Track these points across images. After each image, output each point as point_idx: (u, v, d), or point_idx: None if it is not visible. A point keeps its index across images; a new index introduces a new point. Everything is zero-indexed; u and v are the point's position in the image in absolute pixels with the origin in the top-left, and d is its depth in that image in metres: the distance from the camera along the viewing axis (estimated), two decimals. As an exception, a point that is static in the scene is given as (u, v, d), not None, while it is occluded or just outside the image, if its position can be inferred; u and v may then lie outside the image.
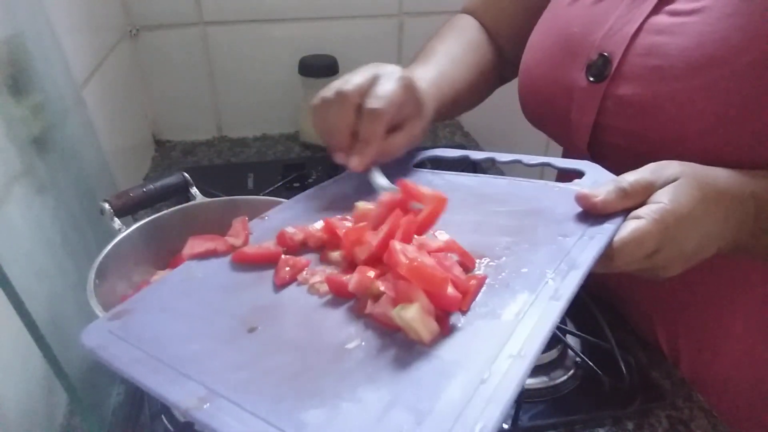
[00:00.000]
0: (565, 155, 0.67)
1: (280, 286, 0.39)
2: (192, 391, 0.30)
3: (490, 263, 0.37)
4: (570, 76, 0.52)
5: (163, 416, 0.51)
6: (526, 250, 0.38)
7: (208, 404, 0.29)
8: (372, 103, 0.46)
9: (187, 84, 1.03)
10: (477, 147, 1.09)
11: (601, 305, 0.60)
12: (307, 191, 0.53)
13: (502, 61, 0.70)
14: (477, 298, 0.34)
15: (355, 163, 0.48)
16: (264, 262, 0.42)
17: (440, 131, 1.14)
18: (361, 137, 0.47)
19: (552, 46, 0.56)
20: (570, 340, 0.58)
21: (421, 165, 0.55)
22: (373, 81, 0.48)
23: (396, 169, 0.54)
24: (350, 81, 0.48)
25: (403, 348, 0.31)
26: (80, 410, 0.48)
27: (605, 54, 0.49)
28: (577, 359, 0.56)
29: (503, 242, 0.39)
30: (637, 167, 0.41)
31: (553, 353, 0.57)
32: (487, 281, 0.35)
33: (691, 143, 0.44)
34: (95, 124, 0.69)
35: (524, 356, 0.29)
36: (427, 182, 0.50)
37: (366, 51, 1.05)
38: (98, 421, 0.49)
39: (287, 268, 0.40)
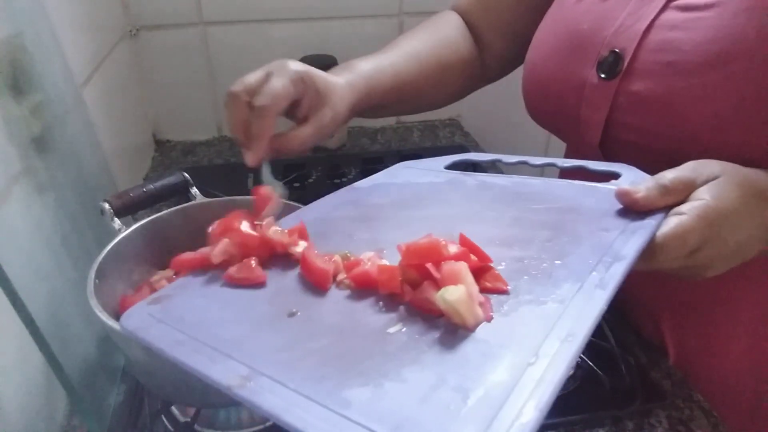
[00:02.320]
0: (569, 153, 0.67)
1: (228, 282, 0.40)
2: (234, 370, 0.30)
3: (531, 255, 0.37)
4: (580, 73, 0.52)
5: (163, 416, 0.51)
6: (567, 243, 0.37)
7: (251, 382, 0.29)
8: (258, 100, 0.48)
9: (187, 84, 1.03)
10: (477, 147, 1.09)
11: (601, 305, 0.60)
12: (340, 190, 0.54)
13: (482, 62, 0.70)
14: (520, 287, 0.34)
15: (247, 158, 0.49)
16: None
17: (440, 131, 1.14)
18: (252, 134, 0.49)
19: (560, 43, 0.56)
20: (570, 340, 0.58)
21: (453, 167, 0.55)
22: (266, 78, 0.49)
23: (427, 172, 0.54)
24: (241, 80, 0.49)
25: (447, 333, 0.31)
26: (80, 410, 0.48)
27: (616, 50, 0.49)
28: (578, 359, 0.56)
29: (543, 235, 0.39)
30: (650, 164, 0.41)
31: (553, 353, 0.57)
32: (529, 271, 0.35)
33: (706, 139, 0.44)
34: (95, 124, 0.69)
35: (572, 339, 0.28)
36: (459, 183, 0.50)
37: (366, 51, 1.05)
38: (98, 421, 0.49)
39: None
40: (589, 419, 0.51)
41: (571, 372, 0.56)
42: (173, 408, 0.52)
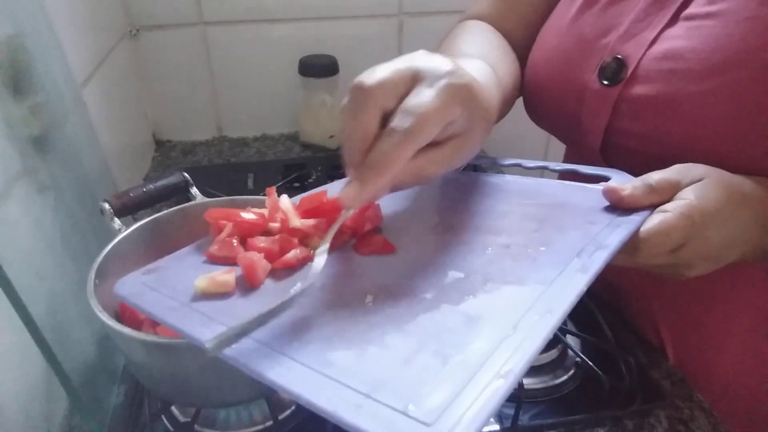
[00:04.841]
0: (569, 156, 0.67)
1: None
2: (222, 334, 0.31)
3: (517, 242, 0.38)
4: (581, 77, 0.52)
5: (163, 416, 0.51)
6: (552, 233, 0.39)
7: (237, 344, 0.30)
8: (402, 120, 0.33)
9: (187, 84, 1.03)
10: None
11: (601, 305, 0.60)
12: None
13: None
14: (505, 269, 0.35)
15: (347, 195, 0.34)
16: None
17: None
18: (371, 161, 0.34)
19: (562, 46, 0.56)
20: (570, 340, 0.58)
21: None
22: (412, 81, 0.35)
23: None
24: (375, 74, 0.35)
25: (432, 306, 0.32)
26: (80, 410, 0.48)
27: (619, 57, 0.49)
28: (577, 359, 0.56)
29: (530, 226, 0.40)
30: (650, 170, 0.41)
31: (553, 353, 0.57)
32: (514, 256, 0.37)
33: (707, 146, 0.44)
34: (95, 124, 0.69)
35: (550, 315, 0.29)
36: (453, 179, 0.51)
37: (366, 51, 1.05)
38: (98, 421, 0.49)
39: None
40: (589, 419, 0.51)
41: (568, 375, 0.56)
42: (173, 408, 0.52)
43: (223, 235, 0.42)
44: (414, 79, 0.35)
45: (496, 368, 0.26)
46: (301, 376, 0.28)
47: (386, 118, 0.35)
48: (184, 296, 0.36)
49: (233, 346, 0.30)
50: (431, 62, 0.36)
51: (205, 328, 0.33)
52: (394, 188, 0.37)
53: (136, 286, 0.39)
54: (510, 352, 0.27)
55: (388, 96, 0.35)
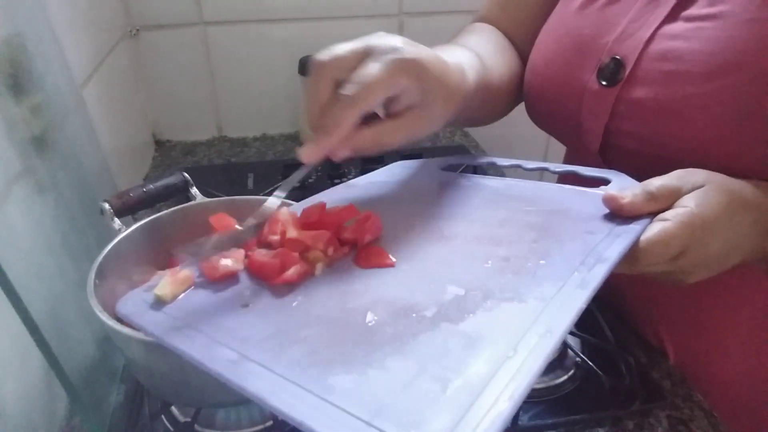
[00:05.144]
0: (569, 157, 0.67)
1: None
2: (224, 356, 0.32)
3: (517, 254, 0.38)
4: (580, 78, 0.52)
5: (163, 416, 0.51)
6: (552, 244, 0.38)
7: (239, 367, 0.30)
8: (347, 88, 0.39)
9: (187, 84, 1.03)
10: (477, 147, 1.09)
11: (601, 305, 0.60)
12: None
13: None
14: (505, 284, 0.35)
15: (304, 152, 0.41)
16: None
17: (440, 131, 1.14)
18: (322, 124, 0.40)
19: (561, 47, 0.55)
20: (570, 340, 0.58)
21: (450, 169, 0.56)
22: (363, 56, 0.40)
23: (423, 172, 0.54)
24: (332, 49, 0.40)
25: (431, 324, 0.32)
26: (80, 410, 0.48)
27: (617, 57, 0.49)
28: (577, 359, 0.56)
29: (530, 236, 0.40)
30: (650, 172, 0.41)
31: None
32: (514, 270, 0.36)
33: (706, 148, 0.44)
34: (95, 124, 0.69)
35: (550, 335, 0.29)
36: (453, 184, 0.51)
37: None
38: (98, 421, 0.49)
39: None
40: (589, 419, 0.51)
41: (568, 375, 0.56)
42: (173, 408, 0.52)
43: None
44: (366, 55, 0.40)
45: (497, 392, 0.26)
46: (303, 402, 0.27)
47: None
48: (187, 314, 0.36)
49: (235, 370, 0.30)
50: (383, 40, 0.41)
51: (205, 349, 0.32)
52: (357, 152, 0.42)
53: (137, 304, 0.38)
54: (511, 374, 0.27)
55: (340, 69, 0.40)
